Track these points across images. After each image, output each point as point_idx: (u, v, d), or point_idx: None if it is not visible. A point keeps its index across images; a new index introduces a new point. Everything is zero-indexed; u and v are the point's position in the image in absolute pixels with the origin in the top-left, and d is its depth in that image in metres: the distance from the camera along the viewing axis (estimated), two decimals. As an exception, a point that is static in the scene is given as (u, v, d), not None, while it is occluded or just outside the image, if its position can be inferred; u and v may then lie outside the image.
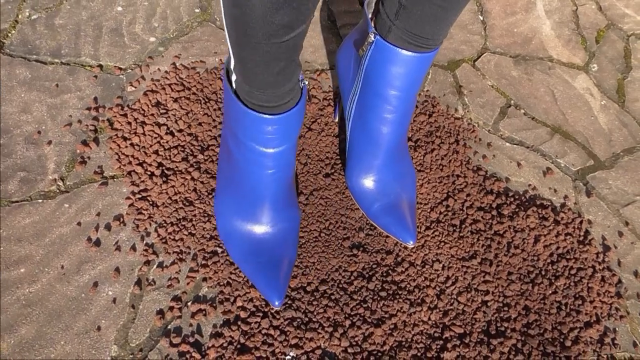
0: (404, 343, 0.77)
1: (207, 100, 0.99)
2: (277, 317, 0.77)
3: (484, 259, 0.88)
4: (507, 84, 1.15)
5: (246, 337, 0.74)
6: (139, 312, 0.75)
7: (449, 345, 0.77)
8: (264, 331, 0.75)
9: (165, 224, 0.83)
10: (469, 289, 0.84)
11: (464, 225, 0.91)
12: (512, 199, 0.96)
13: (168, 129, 0.94)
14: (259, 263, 0.77)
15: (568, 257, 0.90)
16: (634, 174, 1.05)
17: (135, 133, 0.92)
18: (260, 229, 0.79)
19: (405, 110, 0.80)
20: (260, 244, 0.79)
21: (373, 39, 0.75)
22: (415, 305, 0.81)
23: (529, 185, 1.00)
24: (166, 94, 0.98)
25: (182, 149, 0.92)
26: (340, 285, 0.81)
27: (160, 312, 0.75)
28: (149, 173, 0.88)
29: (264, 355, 0.73)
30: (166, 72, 1.02)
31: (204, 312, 0.76)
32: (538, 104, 1.13)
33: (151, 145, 0.91)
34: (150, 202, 0.85)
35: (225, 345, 0.73)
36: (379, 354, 0.75)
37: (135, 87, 0.99)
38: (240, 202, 0.78)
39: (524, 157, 1.03)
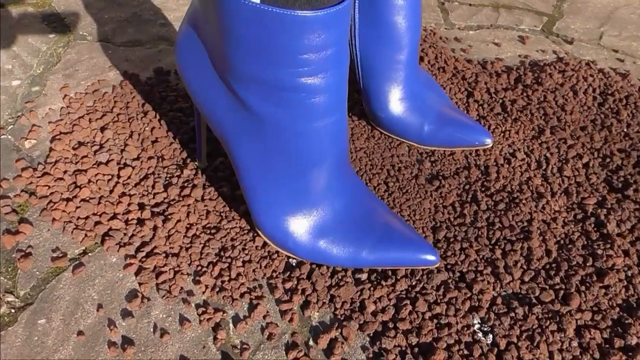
0: (562, 236, 0.61)
1: (143, 113, 0.71)
2: (426, 291, 0.55)
3: (552, 127, 0.76)
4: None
5: (419, 332, 0.51)
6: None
7: (601, 214, 0.63)
8: (423, 317, 0.52)
9: (203, 269, 0.55)
10: (565, 161, 0.71)
11: (507, 109, 0.78)
12: (522, 71, 0.86)
13: (118, 162, 0.65)
14: (379, 238, 0.54)
15: (608, 92, 0.83)
16: (583, 14, 1.04)
17: (78, 186, 0.61)
18: (337, 203, 0.55)
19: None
20: (355, 220, 0.56)
21: None
22: (538, 200, 0.65)
23: (519, 55, 0.92)
24: (84, 128, 0.68)
25: (156, 176, 0.64)
26: (455, 223, 0.62)
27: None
28: (134, 222, 0.59)
29: (452, 337, 0.51)
30: (63, 107, 0.72)
31: (342, 342, 0.51)
32: (464, -8, 1.06)
33: (111, 191, 0.61)
34: (164, 254, 0.56)
35: (401, 351, 0.49)
36: (550, 264, 0.58)
37: (36, 140, 0.67)
38: (290, 186, 0.53)
39: (494, 36, 0.95)
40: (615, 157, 0.72)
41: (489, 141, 0.69)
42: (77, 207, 0.59)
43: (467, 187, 0.66)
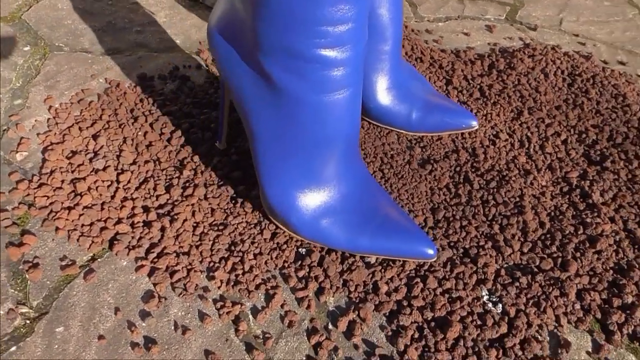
0: (552, 208, 0.64)
1: (133, 119, 0.71)
2: (435, 269, 0.57)
3: (529, 108, 0.80)
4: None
5: (433, 307, 0.53)
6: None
7: (585, 185, 0.67)
8: (435, 292, 0.54)
9: (216, 264, 0.56)
10: (545, 139, 0.75)
11: (486, 93, 0.82)
12: (494, 57, 0.90)
13: (116, 168, 0.64)
14: (380, 226, 0.56)
15: (576, 73, 0.88)
16: (542, 2, 1.10)
17: (78, 194, 0.61)
18: (344, 186, 0.57)
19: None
20: (361, 205, 0.57)
21: None
22: (526, 176, 0.68)
23: (488, 43, 0.96)
24: (75, 137, 0.67)
25: (156, 179, 0.64)
26: (451, 203, 0.64)
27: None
28: (140, 224, 0.58)
29: (465, 309, 0.53)
30: (50, 119, 0.71)
31: (361, 323, 0.52)
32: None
33: (113, 196, 0.61)
34: (175, 253, 0.56)
35: (418, 326, 0.51)
36: (545, 235, 0.61)
37: (27, 152, 0.66)
38: (302, 163, 0.55)
39: (463, 26, 0.99)
40: (590, 133, 0.76)
41: (474, 123, 0.72)
42: (80, 215, 0.59)
43: (458, 169, 0.69)
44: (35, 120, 0.71)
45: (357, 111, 0.55)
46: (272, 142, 0.55)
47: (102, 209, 0.59)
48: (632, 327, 0.54)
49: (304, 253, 0.58)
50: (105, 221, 0.58)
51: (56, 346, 0.48)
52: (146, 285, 0.54)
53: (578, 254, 0.59)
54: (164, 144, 0.68)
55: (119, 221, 0.59)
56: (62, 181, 0.62)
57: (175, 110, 0.73)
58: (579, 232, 0.62)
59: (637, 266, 0.59)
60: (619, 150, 0.74)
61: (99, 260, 0.56)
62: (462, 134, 0.74)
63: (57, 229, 0.58)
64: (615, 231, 0.63)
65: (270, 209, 0.57)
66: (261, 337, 0.51)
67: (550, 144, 0.74)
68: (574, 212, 0.65)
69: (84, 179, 0.62)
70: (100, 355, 0.48)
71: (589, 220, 0.63)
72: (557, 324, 0.54)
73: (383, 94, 0.71)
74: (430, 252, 0.55)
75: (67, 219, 0.58)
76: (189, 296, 0.53)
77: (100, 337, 0.49)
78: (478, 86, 0.83)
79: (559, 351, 0.51)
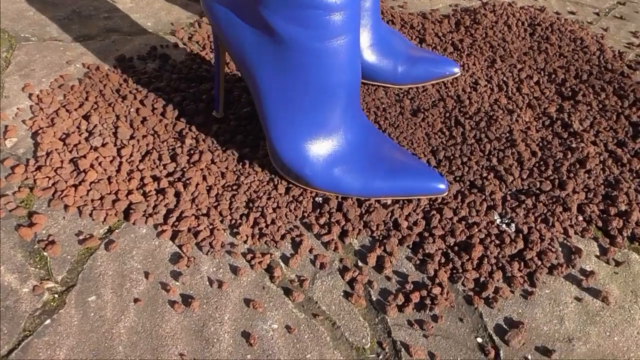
0: (539, 139, 0.68)
1: (122, 98, 0.70)
2: (447, 201, 0.59)
3: (500, 56, 0.84)
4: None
5: (453, 233, 0.56)
6: (341, 323, 0.49)
7: (564, 117, 0.72)
8: (452, 221, 0.57)
9: (238, 221, 0.56)
10: (520, 82, 0.80)
11: (459, 47, 0.86)
12: (458, 16, 0.95)
13: (115, 144, 0.63)
14: (390, 168, 0.58)
15: (535, 23, 0.94)
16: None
17: (82, 172, 0.59)
18: (350, 134, 0.59)
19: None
20: (370, 151, 0.59)
21: None
22: (511, 114, 0.72)
23: (450, 5, 1.00)
24: (65, 120, 0.66)
25: (159, 150, 0.63)
26: (449, 144, 0.67)
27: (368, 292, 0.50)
28: (153, 192, 0.58)
29: (482, 232, 0.56)
30: (33, 105, 0.68)
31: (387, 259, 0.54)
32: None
33: (118, 170, 0.60)
34: (194, 216, 0.56)
35: (443, 252, 0.54)
36: (539, 162, 0.65)
37: (16, 138, 0.64)
38: (309, 114, 0.56)
39: (423, -8, 1.03)
40: (559, 73, 0.82)
41: (457, 70, 0.75)
42: (88, 190, 0.57)
43: (447, 114, 0.72)
44: (18, 108, 0.68)
45: (357, 59, 0.56)
46: (278, 96, 0.56)
47: (110, 182, 0.58)
48: (630, 230, 0.58)
49: (321, 202, 0.59)
50: (116, 193, 0.57)
51: (92, 314, 0.47)
52: (171, 249, 0.53)
53: (571, 175, 0.64)
54: (159, 118, 0.67)
55: (130, 192, 0.58)
56: (62, 161, 0.60)
57: (163, 86, 0.72)
58: (568, 157, 0.66)
59: (623, 180, 0.64)
60: (587, 85, 0.80)
61: (117, 231, 0.55)
62: (445, 83, 0.78)
63: (66, 206, 0.56)
64: (599, 152, 0.68)
65: (282, 165, 0.58)
66: (297, 280, 0.52)
67: (525, 85, 0.79)
68: (560, 141, 0.69)
69: (84, 156, 0.61)
70: (140, 316, 0.47)
71: (574, 145, 0.68)
72: (565, 236, 0.57)
73: (368, 51, 0.74)
74: (442, 186, 0.58)
75: (75, 196, 0.57)
76: (217, 253, 0.53)
77: (136, 300, 0.48)
78: (450, 41, 0.87)
79: (572, 257, 0.55)
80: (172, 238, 0.54)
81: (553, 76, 0.81)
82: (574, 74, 0.82)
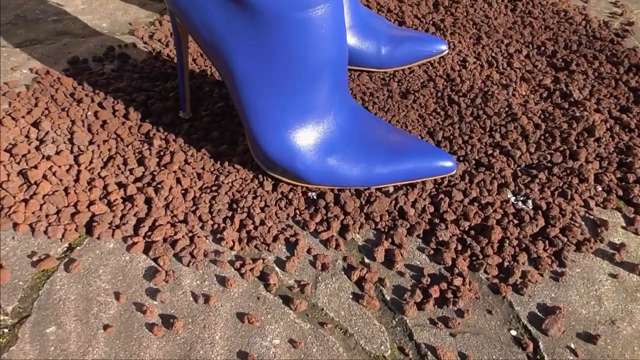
0: (540, 112, 0.63)
1: (77, 102, 0.62)
2: (455, 182, 0.53)
3: (486, 33, 0.80)
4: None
5: (467, 217, 0.49)
6: (354, 330, 0.41)
7: (562, 87, 0.67)
8: (463, 204, 0.51)
9: (221, 225, 0.48)
10: (509, 57, 0.75)
11: (441, 27, 0.80)
12: (434, -4, 0.90)
13: (71, 151, 0.55)
14: (389, 151, 0.51)
15: (514, -1, 0.90)
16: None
17: (33, 183, 0.51)
18: (340, 118, 0.52)
19: None
20: (366, 136, 0.53)
21: None
22: (507, 88, 0.67)
23: (424, -12, 0.95)
24: (11, 128, 0.57)
25: (123, 155, 0.55)
26: (445, 124, 0.61)
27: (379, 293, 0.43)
28: (119, 201, 0.50)
29: (498, 212, 0.50)
30: (-26, 117, 0.59)
31: (398, 251, 0.47)
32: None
33: (76, 179, 0.52)
34: (171, 224, 0.48)
35: (459, 238, 0.47)
36: (544, 135, 0.60)
37: (-48, 154, 0.55)
38: (293, 98, 0.49)
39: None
40: (548, 45, 0.77)
41: (444, 47, 0.70)
42: (41, 205, 0.49)
43: (439, 94, 0.66)
44: (-45, 122, 0.59)
45: (341, 34, 0.50)
46: (256, 80, 0.49)
47: (68, 193, 0.50)
48: (655, 197, 0.53)
49: (314, 197, 0.52)
50: (75, 205, 0.49)
51: (52, 348, 0.39)
52: (145, 263, 0.45)
53: (581, 144, 0.58)
54: (121, 121, 0.59)
55: (92, 203, 0.49)
56: (8, 174, 0.52)
57: (124, 87, 0.65)
58: (573, 126, 0.61)
59: (635, 145, 0.59)
60: (578, 55, 0.75)
61: (78, 248, 0.46)
62: (432, 63, 0.72)
63: (15, 224, 0.47)
64: (604, 120, 0.63)
65: (267, 160, 0.50)
66: (296, 286, 0.44)
67: (515, 59, 0.74)
68: (562, 111, 0.64)
69: (35, 167, 0.52)
70: (112, 345, 0.39)
71: (578, 114, 0.63)
72: (587, 208, 0.52)
73: (348, 34, 0.67)
74: (450, 164, 0.52)
75: (25, 212, 0.48)
76: (199, 263, 0.45)
77: (106, 326, 0.40)
78: (431, 22, 0.82)
79: (599, 230, 0.50)
80: (146, 250, 0.46)
81: (542, 48, 0.77)
82: (563, 45, 0.77)
